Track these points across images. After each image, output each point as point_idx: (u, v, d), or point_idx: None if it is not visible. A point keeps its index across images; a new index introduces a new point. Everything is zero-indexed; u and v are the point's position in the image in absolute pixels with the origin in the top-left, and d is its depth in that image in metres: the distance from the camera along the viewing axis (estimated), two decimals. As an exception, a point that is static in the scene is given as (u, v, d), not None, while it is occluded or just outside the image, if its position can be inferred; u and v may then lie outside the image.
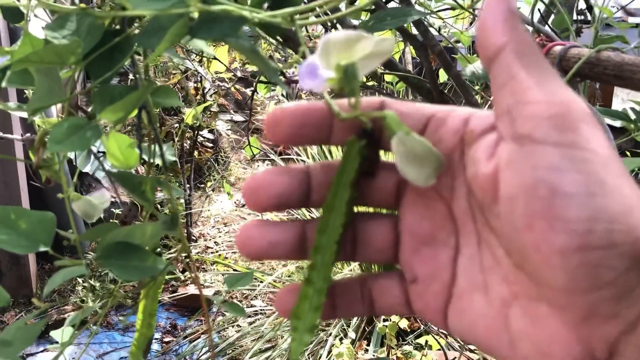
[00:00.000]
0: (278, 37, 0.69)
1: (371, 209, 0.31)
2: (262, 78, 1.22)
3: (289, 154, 3.22)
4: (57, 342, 0.59)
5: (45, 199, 2.35)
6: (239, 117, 4.16)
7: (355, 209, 0.29)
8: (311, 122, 0.28)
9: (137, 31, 0.40)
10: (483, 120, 0.26)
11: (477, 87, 0.91)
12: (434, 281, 0.28)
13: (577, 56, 0.53)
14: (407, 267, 0.29)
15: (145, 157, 0.55)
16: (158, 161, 0.53)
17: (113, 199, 2.65)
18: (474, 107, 0.85)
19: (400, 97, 1.82)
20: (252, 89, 1.19)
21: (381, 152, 0.29)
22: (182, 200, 2.56)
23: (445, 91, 0.84)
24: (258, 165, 3.41)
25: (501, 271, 0.26)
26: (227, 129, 2.92)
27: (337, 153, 2.37)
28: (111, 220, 0.53)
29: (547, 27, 0.84)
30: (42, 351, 2.09)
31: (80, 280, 2.41)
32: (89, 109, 0.51)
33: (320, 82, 0.25)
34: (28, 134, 0.69)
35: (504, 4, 0.25)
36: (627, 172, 0.22)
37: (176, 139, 2.32)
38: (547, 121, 0.22)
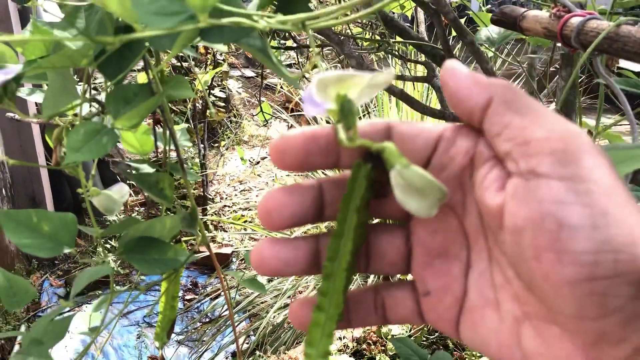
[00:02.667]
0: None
1: (383, 220, 0.31)
2: (272, 43, 1.20)
3: (300, 110, 3.20)
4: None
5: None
6: (249, 73, 4.13)
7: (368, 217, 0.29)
8: (317, 148, 0.27)
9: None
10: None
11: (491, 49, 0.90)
12: (446, 294, 0.28)
13: (596, 30, 0.52)
14: (419, 279, 0.29)
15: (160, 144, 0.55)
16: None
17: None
18: (489, 74, 0.83)
19: (411, 57, 1.78)
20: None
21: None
22: (197, 160, 2.58)
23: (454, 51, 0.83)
24: (271, 123, 3.41)
25: (512, 290, 0.26)
26: (239, 87, 2.89)
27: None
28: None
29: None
30: (68, 311, 2.15)
31: (101, 241, 2.45)
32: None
33: (323, 109, 0.25)
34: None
35: (461, 70, 0.26)
36: (632, 200, 0.23)
37: (189, 100, 2.31)
38: (549, 156, 0.23)
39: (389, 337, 1.47)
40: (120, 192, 0.48)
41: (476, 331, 0.28)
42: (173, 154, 0.55)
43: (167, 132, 0.53)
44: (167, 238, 0.47)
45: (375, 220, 0.31)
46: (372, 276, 1.79)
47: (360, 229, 0.27)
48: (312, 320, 0.28)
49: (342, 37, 0.83)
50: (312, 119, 2.65)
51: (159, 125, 0.55)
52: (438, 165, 0.27)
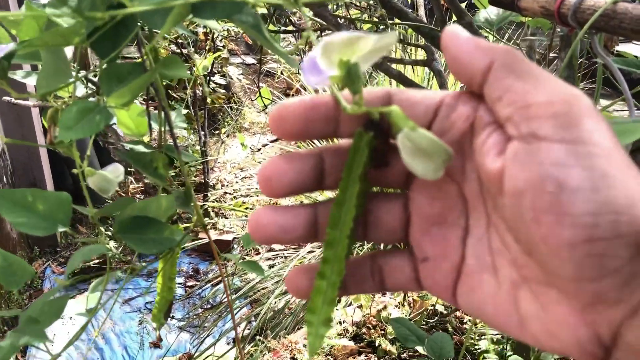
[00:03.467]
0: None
1: (382, 189, 0.31)
2: (271, 27, 1.20)
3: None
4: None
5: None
6: (250, 60, 4.11)
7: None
8: (317, 117, 0.27)
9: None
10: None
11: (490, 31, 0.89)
12: (444, 260, 0.29)
13: (593, 8, 0.52)
14: (417, 246, 0.29)
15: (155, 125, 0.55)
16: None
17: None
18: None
19: (413, 40, 1.78)
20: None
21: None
22: (198, 147, 2.58)
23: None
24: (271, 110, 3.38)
25: (510, 255, 0.26)
26: (239, 74, 2.88)
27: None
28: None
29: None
30: (71, 297, 2.15)
31: (102, 229, 2.46)
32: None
33: (324, 78, 0.25)
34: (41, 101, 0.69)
35: (462, 34, 0.26)
36: (632, 163, 0.23)
37: (189, 87, 2.31)
38: (550, 120, 0.23)
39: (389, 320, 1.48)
40: (115, 172, 0.48)
41: (473, 296, 0.28)
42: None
43: (162, 114, 0.53)
44: (163, 218, 0.47)
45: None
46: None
47: (362, 197, 0.28)
48: (314, 288, 0.28)
49: (342, 20, 0.83)
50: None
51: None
52: (438, 131, 0.27)
